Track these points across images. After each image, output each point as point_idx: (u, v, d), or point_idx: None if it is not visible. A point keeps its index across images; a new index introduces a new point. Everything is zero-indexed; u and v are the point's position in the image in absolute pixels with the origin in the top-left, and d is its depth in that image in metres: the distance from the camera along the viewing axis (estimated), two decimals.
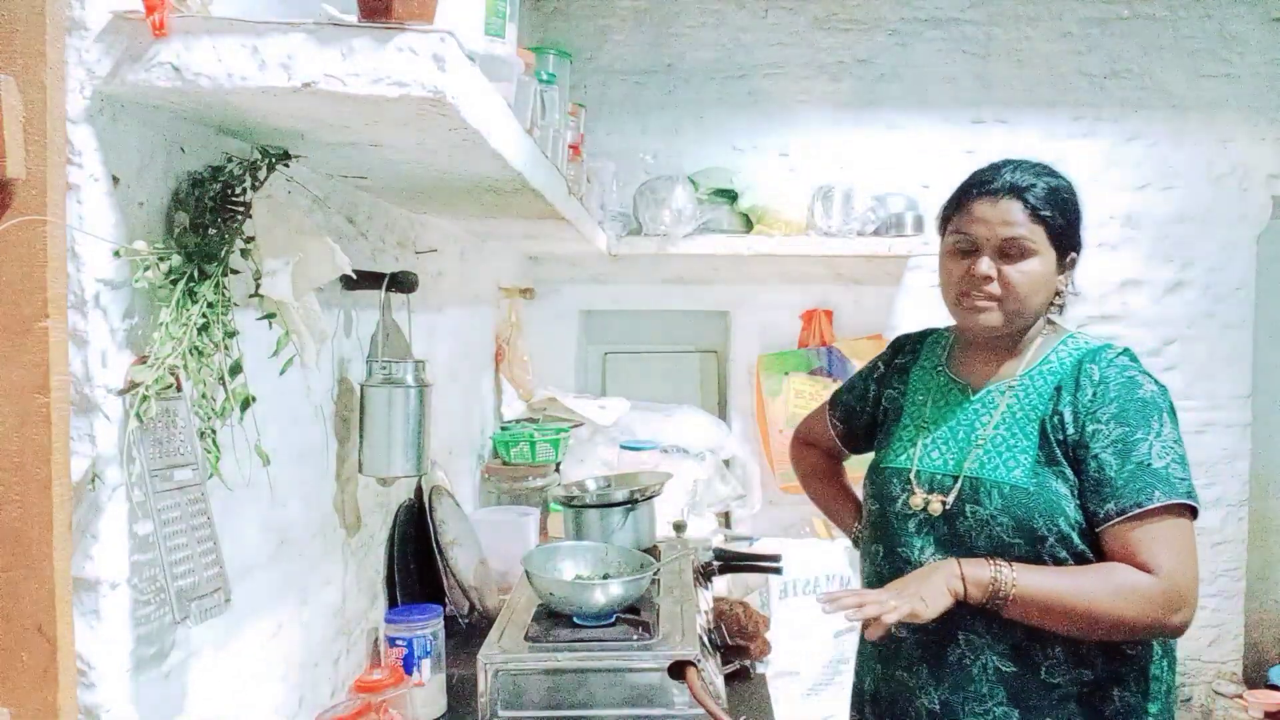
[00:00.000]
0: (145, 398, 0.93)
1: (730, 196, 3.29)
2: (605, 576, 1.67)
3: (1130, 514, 1.36)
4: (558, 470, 2.75)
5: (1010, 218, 1.46)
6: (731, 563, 2.02)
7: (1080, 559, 1.40)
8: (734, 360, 3.62)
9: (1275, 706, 3.35)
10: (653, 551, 1.91)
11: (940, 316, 1.67)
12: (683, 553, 1.92)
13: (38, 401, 0.87)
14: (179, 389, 0.99)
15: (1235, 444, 3.55)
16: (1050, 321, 1.57)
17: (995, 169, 1.51)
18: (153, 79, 0.89)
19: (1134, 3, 3.46)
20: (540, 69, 1.79)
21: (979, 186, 1.50)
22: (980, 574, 1.38)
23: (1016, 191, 1.47)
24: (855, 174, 3.40)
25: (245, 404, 1.06)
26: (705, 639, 1.63)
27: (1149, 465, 1.36)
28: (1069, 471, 1.42)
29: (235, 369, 1.04)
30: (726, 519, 3.13)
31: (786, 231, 3.24)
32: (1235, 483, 3.56)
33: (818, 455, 1.92)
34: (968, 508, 1.47)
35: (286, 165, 1.16)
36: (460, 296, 2.45)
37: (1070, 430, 1.43)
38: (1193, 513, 1.37)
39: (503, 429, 2.86)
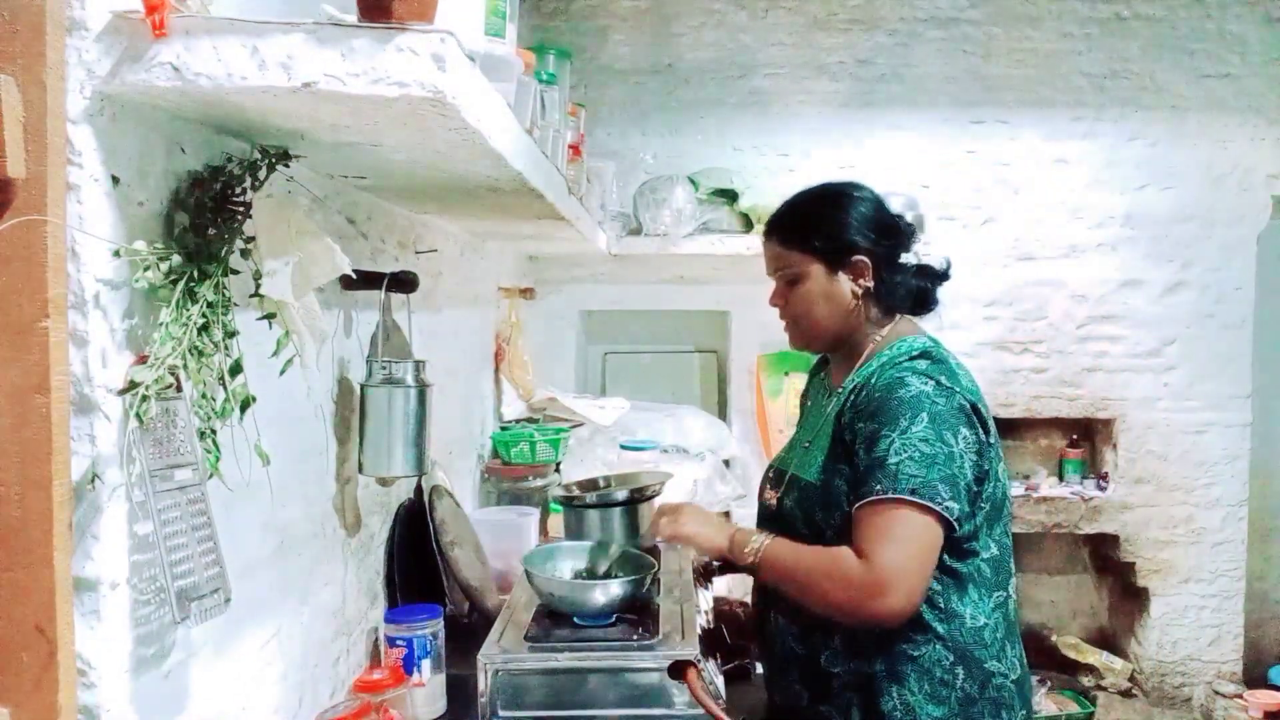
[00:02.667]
0: (145, 398, 0.93)
1: (730, 196, 3.29)
2: (605, 577, 1.67)
3: (859, 503, 1.42)
4: (558, 470, 2.75)
5: (771, 255, 1.63)
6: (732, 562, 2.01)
7: None
8: (734, 360, 3.62)
9: (1275, 706, 3.35)
10: (653, 552, 1.91)
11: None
12: (683, 552, 1.92)
13: (38, 401, 0.86)
14: (179, 389, 0.99)
15: (1235, 444, 3.55)
16: (907, 321, 1.61)
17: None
18: (153, 79, 0.89)
19: (1134, 3, 3.46)
20: (540, 69, 1.79)
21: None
22: (743, 539, 1.53)
23: (769, 233, 1.63)
24: (855, 174, 3.39)
25: (245, 404, 1.06)
26: (705, 639, 1.63)
27: (883, 461, 1.40)
28: (848, 468, 1.48)
29: (235, 369, 1.04)
30: (726, 519, 3.13)
31: None
32: (1235, 483, 3.56)
33: None
34: (784, 501, 1.59)
35: (286, 165, 1.16)
36: (460, 296, 2.45)
37: (847, 431, 1.49)
38: (925, 509, 1.37)
39: (503, 429, 2.86)
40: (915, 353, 1.52)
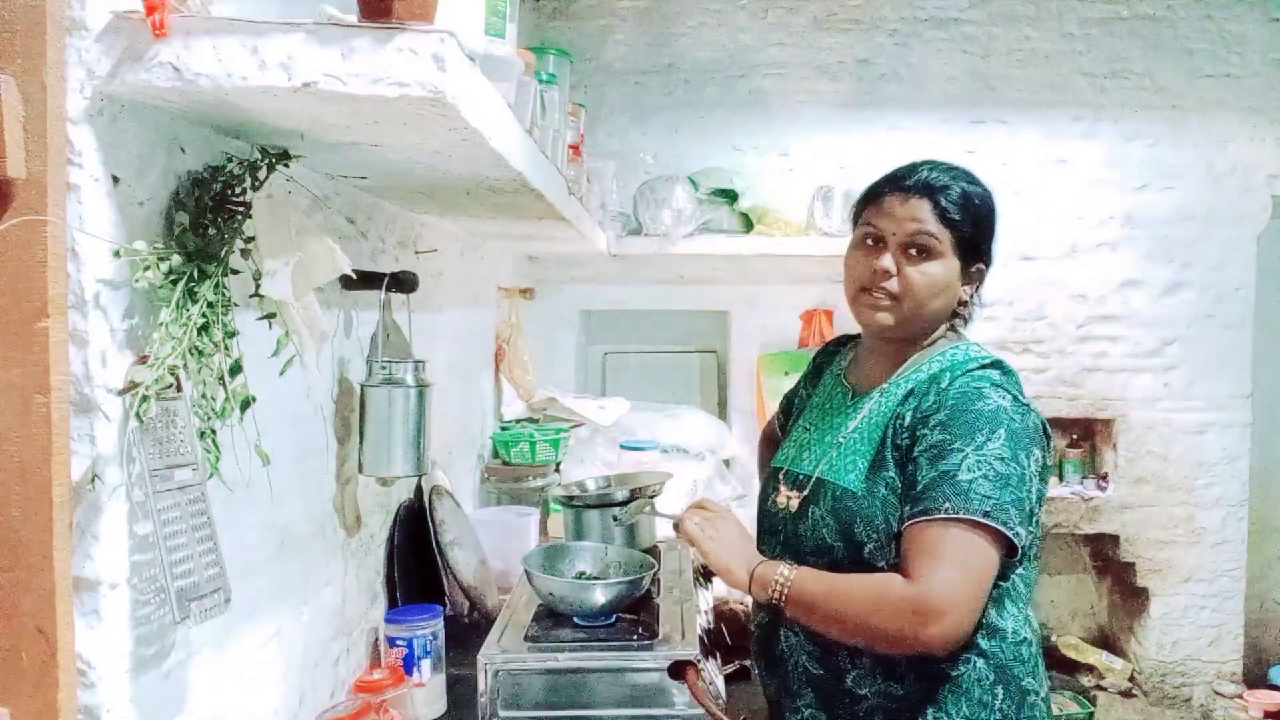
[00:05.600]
0: (145, 398, 0.93)
1: (730, 196, 3.29)
2: (605, 576, 1.67)
3: (918, 519, 1.29)
4: (558, 470, 2.75)
5: (918, 215, 1.41)
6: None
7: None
8: (734, 360, 3.62)
9: (1275, 706, 3.35)
10: (653, 551, 1.91)
11: None
12: (682, 552, 1.92)
13: (38, 401, 0.87)
14: (179, 389, 0.99)
15: (1235, 444, 3.55)
16: (954, 331, 1.52)
17: (914, 166, 1.46)
18: (153, 79, 0.89)
19: (1134, 3, 3.46)
20: (540, 69, 1.79)
21: (893, 182, 1.46)
22: (766, 574, 1.39)
23: (929, 191, 1.42)
24: (855, 174, 3.40)
25: (245, 404, 1.06)
26: (705, 639, 1.63)
27: (953, 476, 1.28)
28: (897, 478, 1.37)
29: (235, 369, 1.04)
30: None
31: (786, 231, 3.24)
32: (1235, 483, 3.56)
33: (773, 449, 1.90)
34: (809, 508, 1.45)
35: (286, 165, 1.16)
36: (460, 296, 2.45)
37: (904, 436, 1.38)
38: (996, 534, 1.27)
39: (503, 429, 2.86)
40: (986, 361, 1.42)
